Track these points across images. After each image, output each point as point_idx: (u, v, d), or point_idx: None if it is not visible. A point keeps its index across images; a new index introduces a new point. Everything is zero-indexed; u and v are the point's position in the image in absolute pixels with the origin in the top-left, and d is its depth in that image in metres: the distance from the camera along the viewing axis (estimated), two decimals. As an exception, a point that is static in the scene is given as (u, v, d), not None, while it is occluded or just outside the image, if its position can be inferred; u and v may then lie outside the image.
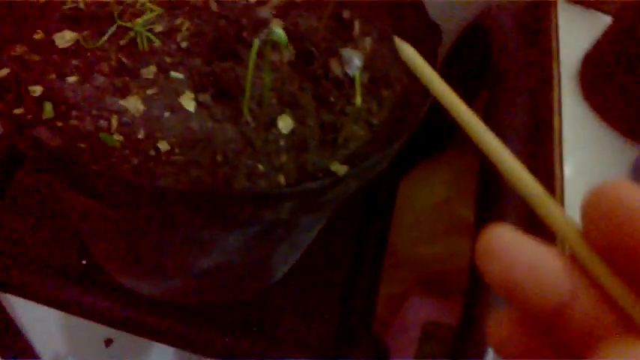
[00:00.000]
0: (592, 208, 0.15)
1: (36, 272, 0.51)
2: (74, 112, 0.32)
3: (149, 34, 0.36)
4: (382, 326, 0.67)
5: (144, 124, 0.32)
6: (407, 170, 0.71)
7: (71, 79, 0.33)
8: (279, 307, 0.53)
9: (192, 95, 0.34)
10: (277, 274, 0.52)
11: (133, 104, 0.33)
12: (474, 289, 0.40)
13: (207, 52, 0.37)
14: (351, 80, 0.37)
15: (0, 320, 0.61)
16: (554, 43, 0.48)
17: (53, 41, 0.35)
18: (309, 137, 0.34)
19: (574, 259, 0.16)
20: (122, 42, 0.36)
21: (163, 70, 0.35)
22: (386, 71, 0.38)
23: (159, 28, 0.37)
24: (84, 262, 0.51)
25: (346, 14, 0.41)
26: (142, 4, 0.37)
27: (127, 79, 0.34)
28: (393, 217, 0.66)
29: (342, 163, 0.33)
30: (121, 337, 0.80)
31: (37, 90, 0.32)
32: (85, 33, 0.35)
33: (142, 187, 0.29)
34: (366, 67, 0.38)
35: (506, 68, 0.48)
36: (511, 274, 0.15)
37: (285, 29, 0.34)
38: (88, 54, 0.35)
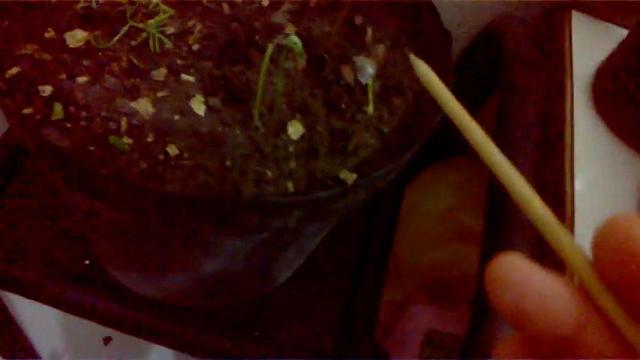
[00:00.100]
0: (603, 239, 0.15)
1: (37, 271, 0.50)
2: (84, 114, 0.31)
3: (161, 36, 0.36)
4: (384, 332, 0.67)
5: (153, 128, 0.32)
6: (412, 177, 0.71)
7: (81, 79, 0.33)
8: (281, 311, 0.53)
9: (202, 99, 0.34)
10: (281, 278, 0.52)
11: (143, 106, 0.32)
12: (481, 299, 0.40)
13: (218, 55, 0.36)
14: (362, 87, 0.37)
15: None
16: (567, 55, 0.48)
17: (64, 40, 0.35)
18: (318, 144, 0.34)
19: (582, 288, 0.16)
20: (133, 43, 0.35)
21: (174, 72, 0.35)
22: (398, 79, 0.38)
23: (170, 30, 0.36)
24: (87, 262, 0.51)
25: (359, 20, 0.41)
26: (155, 5, 0.36)
27: (138, 80, 0.34)
28: (397, 224, 0.65)
29: (352, 171, 0.33)
30: (120, 335, 0.79)
31: (46, 90, 0.32)
32: (97, 33, 0.35)
33: (150, 191, 0.29)
34: (378, 74, 0.37)
35: (517, 80, 0.47)
36: (521, 302, 0.16)
37: (297, 34, 0.34)
38: (99, 54, 0.34)
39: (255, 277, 0.48)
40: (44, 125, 0.30)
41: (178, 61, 0.35)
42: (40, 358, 0.75)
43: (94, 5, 0.36)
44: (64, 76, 0.33)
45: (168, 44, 0.36)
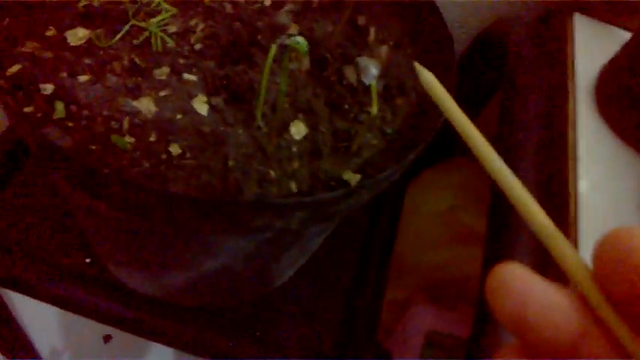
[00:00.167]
0: (604, 251, 0.16)
1: (37, 269, 0.50)
2: (85, 112, 0.31)
3: (163, 35, 0.35)
4: (385, 332, 0.67)
5: (156, 127, 0.32)
6: (414, 177, 0.71)
7: (83, 78, 0.33)
8: (283, 311, 0.53)
9: (204, 98, 0.34)
10: (282, 278, 0.52)
11: (146, 105, 0.32)
12: (483, 302, 0.39)
13: (220, 54, 0.36)
14: (365, 87, 0.37)
15: None
16: (569, 56, 0.47)
17: (65, 38, 0.34)
18: (321, 144, 0.34)
19: (583, 298, 0.16)
20: (135, 41, 0.35)
21: (176, 71, 0.35)
22: (401, 79, 0.38)
23: (173, 29, 0.36)
24: (87, 260, 0.50)
25: (361, 20, 0.41)
26: (157, 4, 0.36)
27: (140, 79, 0.34)
28: (399, 224, 0.65)
29: (355, 172, 0.33)
30: (120, 334, 0.79)
31: (48, 88, 0.31)
32: (98, 31, 0.35)
33: (152, 191, 0.29)
34: (381, 75, 0.37)
35: (520, 81, 0.47)
36: (522, 312, 0.16)
37: (300, 34, 0.33)
38: (101, 53, 0.34)
39: (256, 276, 0.48)
40: (45, 124, 0.30)
41: (181, 60, 0.35)
42: (40, 356, 0.75)
43: (95, 3, 0.36)
44: (65, 74, 0.33)
45: (171, 43, 0.36)
